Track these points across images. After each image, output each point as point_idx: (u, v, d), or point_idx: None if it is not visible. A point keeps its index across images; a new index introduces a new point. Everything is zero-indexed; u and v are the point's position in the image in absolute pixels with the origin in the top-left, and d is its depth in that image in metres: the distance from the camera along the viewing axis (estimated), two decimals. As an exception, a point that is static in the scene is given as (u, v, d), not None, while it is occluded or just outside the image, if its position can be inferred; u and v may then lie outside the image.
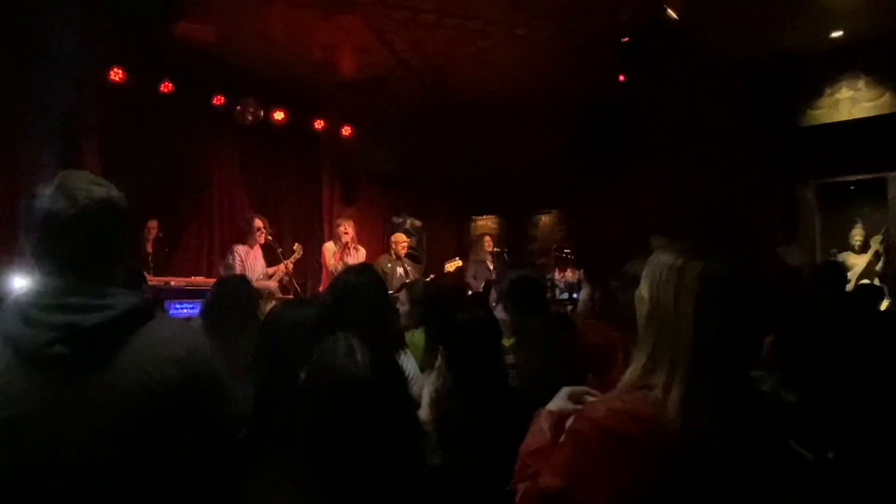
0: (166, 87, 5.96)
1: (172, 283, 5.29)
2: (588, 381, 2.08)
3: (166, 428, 1.16)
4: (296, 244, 5.82)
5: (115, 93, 5.66)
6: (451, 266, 6.40)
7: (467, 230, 8.96)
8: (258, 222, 5.60)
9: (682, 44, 5.65)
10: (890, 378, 2.03)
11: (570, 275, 5.65)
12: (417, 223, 8.15)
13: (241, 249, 5.46)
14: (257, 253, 5.56)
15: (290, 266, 5.54)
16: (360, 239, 7.57)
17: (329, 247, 6.00)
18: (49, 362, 1.10)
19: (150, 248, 5.49)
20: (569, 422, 1.28)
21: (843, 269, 5.40)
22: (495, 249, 7.07)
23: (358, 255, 5.83)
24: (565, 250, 5.78)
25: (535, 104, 7.24)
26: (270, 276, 5.45)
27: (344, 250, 5.81)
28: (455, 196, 8.59)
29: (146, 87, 5.83)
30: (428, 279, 6.03)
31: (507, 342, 2.55)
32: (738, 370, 1.20)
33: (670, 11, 4.94)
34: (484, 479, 1.55)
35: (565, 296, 5.04)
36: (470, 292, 5.38)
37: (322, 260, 5.99)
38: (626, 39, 5.83)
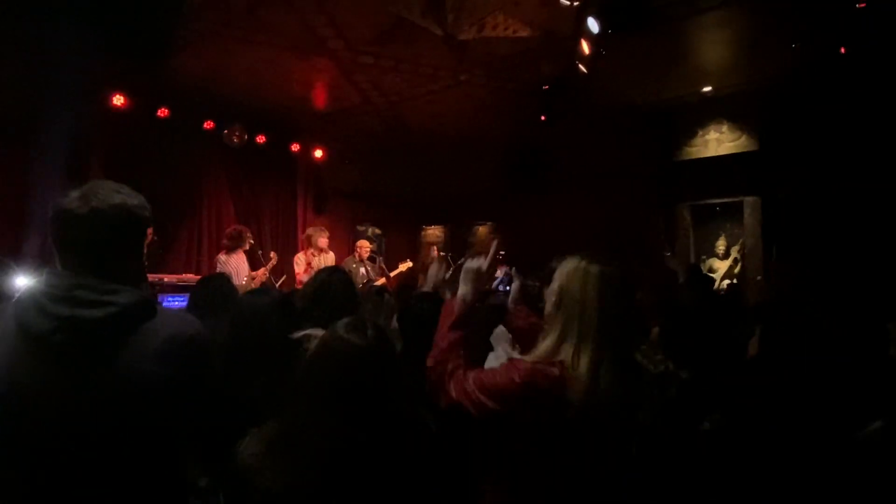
0: (163, 112, 5.79)
1: (165, 279, 5.17)
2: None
3: (156, 415, 1.07)
4: (272, 253, 5.66)
5: (118, 116, 5.46)
6: (403, 266, 6.39)
7: (418, 237, 8.97)
8: (247, 232, 5.47)
9: (589, 93, 5.83)
10: (745, 357, 2.08)
11: (502, 272, 5.73)
12: (378, 231, 8.12)
13: (222, 256, 5.29)
14: (241, 258, 5.40)
15: (262, 274, 5.37)
16: (329, 246, 7.47)
17: (300, 258, 5.81)
18: (51, 349, 1.02)
19: (145, 251, 5.25)
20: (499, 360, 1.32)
21: (706, 272, 5.67)
22: (440, 254, 7.11)
23: (327, 259, 5.74)
24: (500, 252, 5.86)
25: (474, 136, 7.32)
26: (254, 279, 5.31)
27: (316, 254, 5.69)
28: (408, 209, 8.56)
29: (145, 112, 5.65)
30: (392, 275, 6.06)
31: None
32: (630, 345, 1.31)
33: (581, 66, 5.10)
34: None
35: (500, 286, 5.13)
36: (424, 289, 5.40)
37: (293, 270, 5.77)
38: (546, 87, 5.99)
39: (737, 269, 6.56)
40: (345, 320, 1.26)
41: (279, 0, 4.65)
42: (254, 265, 5.46)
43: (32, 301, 1.06)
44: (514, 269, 2.18)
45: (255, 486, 1.09)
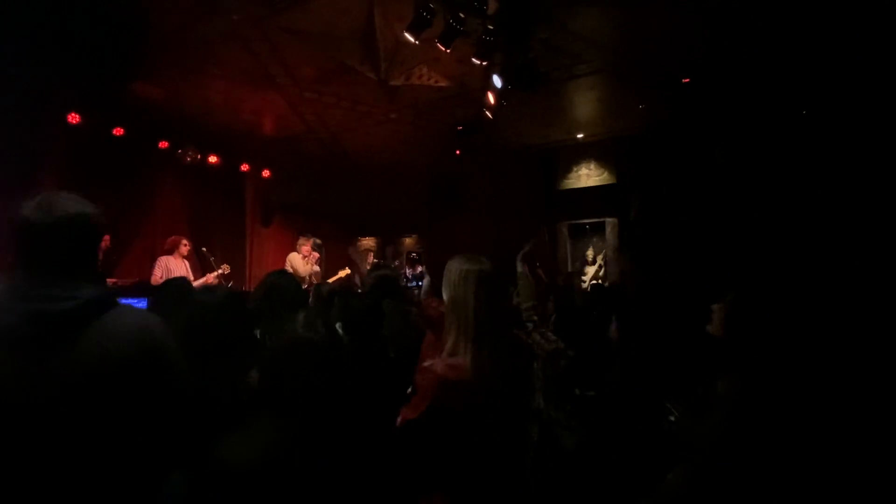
0: (118, 131, 5.20)
1: (119, 282, 4.67)
2: (427, 337, 2.06)
3: (122, 394, 1.00)
4: (224, 264, 5.26)
5: (72, 133, 4.85)
6: (342, 273, 6.25)
7: (353, 246, 8.78)
8: (184, 241, 5.06)
9: (493, 134, 6.07)
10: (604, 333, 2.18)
11: (416, 270, 5.79)
12: (318, 241, 7.83)
13: (165, 259, 4.90)
14: (181, 263, 4.99)
15: (212, 278, 4.98)
16: (276, 252, 7.13)
17: (295, 257, 5.62)
18: (19, 342, 0.95)
19: (100, 256, 4.72)
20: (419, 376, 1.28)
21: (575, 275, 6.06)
22: (373, 261, 7.03)
23: (307, 262, 5.63)
24: (412, 254, 5.91)
25: (402, 163, 7.33)
26: (206, 283, 4.93)
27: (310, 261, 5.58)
28: (344, 222, 8.37)
29: (100, 130, 5.04)
30: (330, 281, 5.90)
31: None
32: (505, 332, 1.27)
33: (487, 113, 5.31)
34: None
35: (414, 283, 5.17)
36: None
37: (292, 267, 5.52)
38: (460, 128, 6.14)
39: (601, 273, 7.10)
40: (301, 321, 1.22)
41: (235, 39, 4.42)
42: (203, 270, 5.09)
43: None
44: (424, 267, 2.18)
45: (225, 472, 1.03)
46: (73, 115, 4.79)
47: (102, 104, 4.93)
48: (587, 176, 7.07)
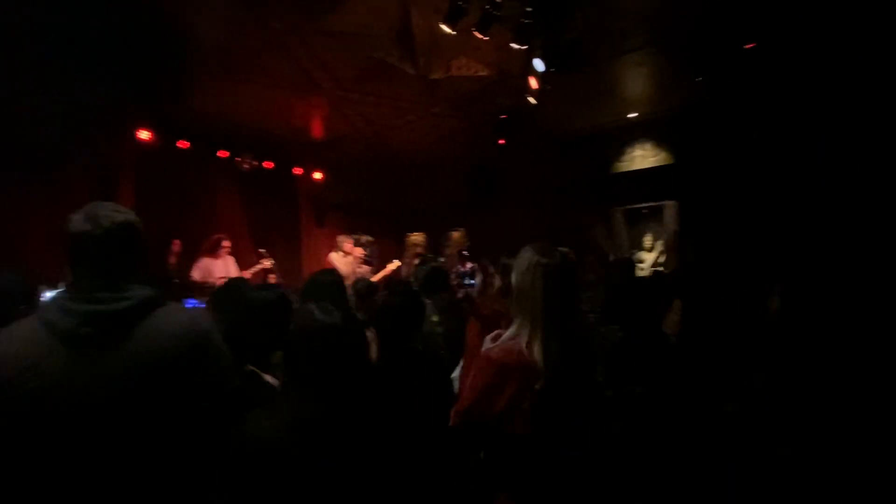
0: (183, 144, 5.63)
1: (188, 283, 5.02)
2: (471, 326, 2.07)
3: (175, 387, 1.07)
4: (266, 259, 5.47)
5: (143, 148, 5.31)
6: (391, 267, 6.36)
7: (403, 242, 8.88)
8: (225, 241, 5.35)
9: (538, 120, 5.91)
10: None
11: (467, 266, 5.73)
12: (370, 238, 8.03)
13: (203, 260, 5.17)
14: (225, 262, 5.28)
15: (248, 274, 5.19)
16: (330, 251, 7.37)
17: (335, 256, 5.78)
18: (79, 341, 1.03)
19: (173, 261, 5.13)
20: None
21: (633, 261, 5.78)
22: (423, 256, 7.06)
23: (348, 260, 5.76)
24: (464, 252, 5.87)
25: (445, 157, 7.32)
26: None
27: (352, 259, 5.74)
28: (393, 219, 8.49)
29: (167, 144, 5.48)
30: (379, 276, 6.03)
31: (435, 318, 2.54)
32: (571, 323, 1.28)
33: (530, 99, 5.16)
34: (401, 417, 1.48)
35: (466, 281, 5.11)
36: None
37: (330, 265, 5.67)
38: (503, 117, 6.03)
39: (661, 259, 6.70)
40: (316, 305, 1.29)
41: (278, 48, 4.61)
42: (243, 268, 5.35)
43: (56, 305, 1.07)
44: (477, 265, 2.16)
45: (248, 445, 1.09)
46: (142, 130, 5.23)
47: (167, 120, 5.35)
48: (642, 157, 6.70)
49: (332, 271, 2.52)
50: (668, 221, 6.58)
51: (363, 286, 3.08)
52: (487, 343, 1.39)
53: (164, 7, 3.76)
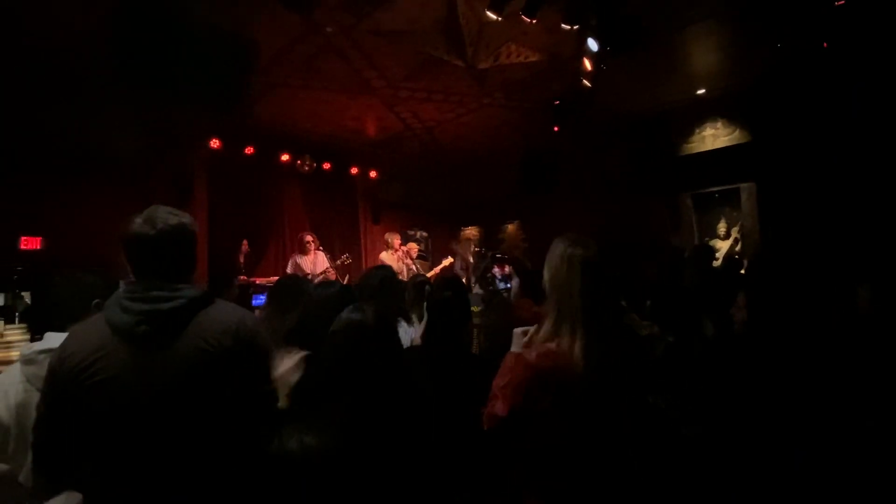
0: (249, 150, 5.98)
1: (257, 281, 5.36)
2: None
3: (221, 381, 1.11)
4: (345, 255, 5.82)
5: (214, 156, 5.71)
6: (445, 263, 6.39)
7: (457, 237, 8.91)
8: (307, 237, 5.67)
9: (594, 104, 5.59)
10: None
11: (504, 270, 5.59)
12: (424, 234, 8.13)
13: (295, 256, 5.55)
14: (315, 258, 5.57)
15: (332, 271, 5.47)
16: (381, 246, 7.54)
17: (386, 255, 5.93)
18: (137, 338, 1.08)
19: (242, 260, 5.48)
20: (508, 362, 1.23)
21: (711, 249, 5.37)
22: (476, 249, 7.04)
23: (394, 257, 5.86)
24: (498, 255, 5.71)
25: (498, 149, 7.20)
26: (326, 275, 5.42)
27: (392, 253, 5.84)
28: (446, 214, 8.53)
29: (235, 151, 5.85)
30: (434, 271, 6.08)
31: (476, 309, 2.49)
32: (614, 322, 1.20)
33: (585, 82, 4.92)
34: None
35: (502, 285, 4.96)
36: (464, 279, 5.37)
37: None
38: (557, 102, 5.81)
39: (737, 248, 6.17)
40: (351, 306, 1.29)
41: (330, 52, 4.75)
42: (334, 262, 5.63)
43: (116, 303, 1.14)
44: (512, 267, 2.08)
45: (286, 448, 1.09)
46: (214, 140, 5.62)
47: (234, 129, 5.71)
48: (713, 136, 6.22)
49: (384, 267, 2.56)
50: (744, 206, 6.07)
51: (418, 282, 3.11)
52: (518, 338, 1.33)
53: (225, 23, 3.98)
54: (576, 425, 1.13)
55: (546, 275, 1.24)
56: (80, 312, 1.50)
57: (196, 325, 1.12)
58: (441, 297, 1.88)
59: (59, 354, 1.11)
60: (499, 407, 1.17)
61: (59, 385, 1.08)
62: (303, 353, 1.38)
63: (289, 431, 1.12)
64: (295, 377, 1.36)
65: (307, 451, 1.08)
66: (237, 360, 1.13)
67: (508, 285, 4.50)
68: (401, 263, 5.86)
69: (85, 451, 1.07)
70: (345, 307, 1.64)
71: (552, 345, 1.16)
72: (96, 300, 1.59)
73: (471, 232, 9.11)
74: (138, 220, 1.17)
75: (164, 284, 1.14)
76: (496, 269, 5.45)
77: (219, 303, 1.20)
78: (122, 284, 1.19)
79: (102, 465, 1.07)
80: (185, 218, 1.22)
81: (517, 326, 1.98)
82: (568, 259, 1.20)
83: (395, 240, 6.02)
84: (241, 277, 5.12)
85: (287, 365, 1.35)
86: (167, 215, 1.19)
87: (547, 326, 1.21)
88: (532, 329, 1.29)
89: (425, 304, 2.20)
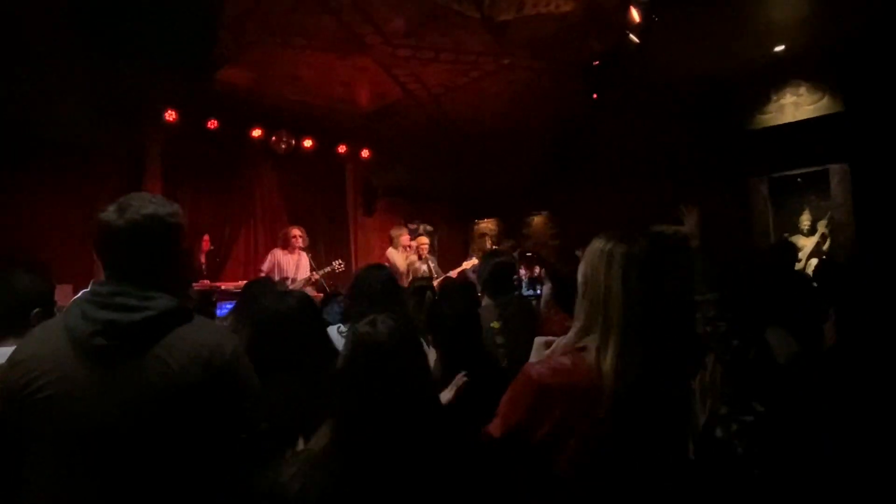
0: (211, 123, 5.98)
1: (222, 286, 5.33)
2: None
3: (185, 417, 1.11)
4: (339, 261, 5.66)
5: (169, 131, 5.71)
6: (467, 265, 6.34)
7: (471, 232, 8.90)
8: (295, 231, 5.68)
9: (644, 66, 5.56)
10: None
11: (533, 272, 5.51)
12: (429, 228, 8.11)
13: (277, 252, 5.58)
14: (299, 260, 5.60)
15: (316, 279, 5.43)
16: (381, 243, 7.55)
17: (392, 252, 5.95)
18: (91, 351, 1.10)
19: (203, 260, 5.52)
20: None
21: (793, 248, 5.27)
22: (494, 247, 7.01)
23: (401, 257, 5.87)
24: (528, 252, 5.65)
25: (522, 123, 7.15)
26: (313, 283, 5.41)
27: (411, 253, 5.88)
28: (458, 203, 8.50)
29: (195, 125, 5.85)
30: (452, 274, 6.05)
31: (496, 325, 2.54)
32: (661, 334, 1.19)
33: (632, 37, 4.85)
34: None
35: (530, 292, 4.85)
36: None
37: (390, 263, 5.83)
38: (596, 63, 5.76)
39: (825, 246, 6.06)
40: (367, 318, 1.28)
41: (314, 2, 4.72)
42: (319, 267, 5.62)
43: (78, 308, 1.15)
44: (544, 269, 2.06)
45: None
46: (169, 111, 5.61)
47: (195, 98, 5.70)
48: (795, 105, 6.15)
49: (381, 267, 2.53)
50: (834, 194, 5.99)
51: (417, 287, 3.07)
52: (539, 350, 1.35)
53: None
54: (593, 464, 1.12)
55: (580, 276, 1.26)
56: (14, 321, 1.59)
57: (165, 346, 1.12)
58: (446, 312, 1.90)
59: (8, 361, 1.14)
60: (494, 426, 1.20)
61: (5, 397, 1.11)
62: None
63: (288, 468, 1.12)
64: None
65: (307, 494, 1.08)
66: (206, 398, 1.12)
67: (538, 292, 4.43)
68: (411, 265, 5.85)
69: (29, 474, 1.10)
70: (307, 325, 1.69)
71: (571, 357, 1.18)
72: (37, 310, 1.64)
73: (487, 226, 9.12)
74: (110, 208, 1.18)
75: (134, 290, 1.13)
76: (522, 271, 5.37)
77: (199, 321, 1.21)
78: (91, 284, 1.22)
79: (47, 494, 1.09)
80: (165, 207, 1.21)
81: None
82: (607, 256, 1.21)
83: (404, 235, 6.01)
84: (203, 282, 5.11)
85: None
86: (143, 203, 1.19)
87: (571, 334, 1.23)
88: (558, 339, 1.32)
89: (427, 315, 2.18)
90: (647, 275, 1.19)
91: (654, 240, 1.31)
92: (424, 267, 5.99)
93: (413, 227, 7.83)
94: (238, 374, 1.19)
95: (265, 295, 2.23)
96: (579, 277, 1.26)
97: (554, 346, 1.32)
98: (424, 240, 6.26)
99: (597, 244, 1.25)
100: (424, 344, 2.34)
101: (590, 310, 1.20)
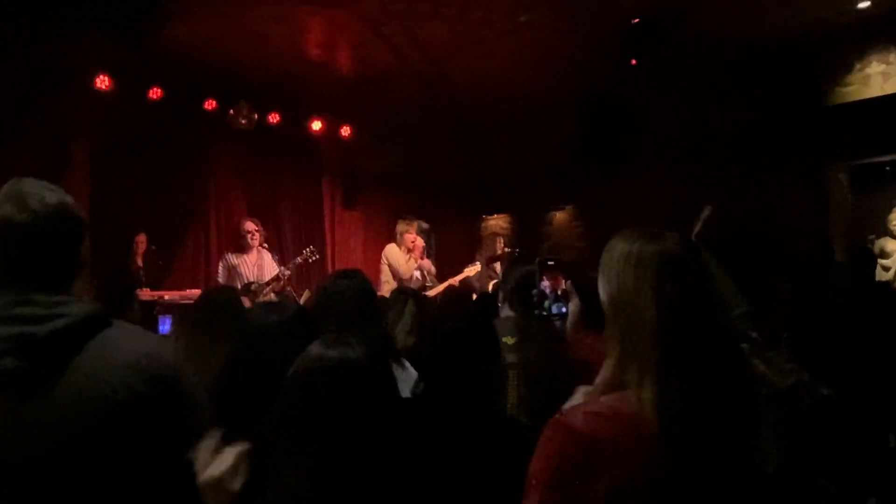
0: (155, 93, 5.96)
1: (167, 297, 5.30)
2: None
3: (127, 436, 1.14)
4: (309, 248, 5.82)
5: (102, 101, 5.66)
6: (471, 271, 6.33)
7: (477, 231, 8.89)
8: (248, 225, 5.67)
9: (694, 25, 5.58)
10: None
11: (556, 284, 5.49)
12: (425, 225, 8.07)
13: (229, 258, 5.59)
14: (260, 260, 5.60)
15: (284, 279, 5.49)
16: (365, 244, 7.53)
17: (393, 250, 6.00)
18: (1, 376, 1.10)
19: (140, 263, 5.47)
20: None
21: (872, 255, 5.28)
22: (506, 250, 6.99)
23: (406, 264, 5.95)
24: (549, 261, 5.62)
25: (542, 96, 7.16)
26: (285, 282, 5.47)
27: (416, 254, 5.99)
28: (463, 195, 8.58)
29: (134, 94, 5.83)
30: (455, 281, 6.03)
31: (509, 340, 2.66)
32: (710, 357, 1.16)
33: (681, -12, 4.82)
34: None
35: (554, 309, 4.88)
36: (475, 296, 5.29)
37: (389, 264, 5.96)
38: (636, 21, 5.72)
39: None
40: (324, 336, 1.39)
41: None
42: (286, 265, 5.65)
43: None
44: (570, 281, 2.22)
45: None
46: (101, 76, 5.57)
47: (133, 61, 5.65)
48: (883, 76, 6.16)
49: (356, 273, 2.55)
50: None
51: (400, 293, 3.17)
52: (577, 399, 1.34)
53: None
54: None
55: (603, 291, 1.25)
56: None
57: (89, 357, 1.14)
58: (450, 329, 1.91)
59: None
60: (535, 497, 1.17)
61: None
62: (242, 448, 1.38)
63: None
64: (236, 483, 1.34)
65: None
66: (149, 417, 1.16)
67: (563, 309, 4.40)
68: (413, 266, 5.91)
69: None
70: (301, 341, 1.66)
71: (612, 399, 1.16)
72: None
73: (498, 223, 9.12)
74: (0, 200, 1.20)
75: (39, 297, 1.15)
76: (546, 282, 5.31)
77: (118, 325, 1.24)
78: None
79: None
80: (66, 196, 1.25)
81: (574, 369, 2.01)
82: (635, 261, 1.19)
83: (409, 232, 6.04)
84: (141, 291, 5.09)
85: (222, 465, 1.29)
86: (43, 191, 1.20)
87: (607, 370, 1.22)
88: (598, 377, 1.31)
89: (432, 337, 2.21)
90: (687, 282, 1.17)
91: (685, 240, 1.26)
92: (417, 274, 6.04)
93: (406, 223, 7.78)
94: (184, 385, 1.25)
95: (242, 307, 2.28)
96: (602, 293, 1.24)
97: (595, 383, 1.30)
98: (419, 239, 6.27)
99: (619, 246, 1.22)
100: (405, 367, 2.41)
101: (622, 334, 1.18)
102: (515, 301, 2.89)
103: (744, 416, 1.22)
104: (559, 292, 4.60)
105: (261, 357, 1.71)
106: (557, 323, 3.16)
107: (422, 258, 6.23)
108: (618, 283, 1.21)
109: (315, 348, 1.37)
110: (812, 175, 6.56)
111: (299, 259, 5.67)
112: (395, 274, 5.86)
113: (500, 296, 3.17)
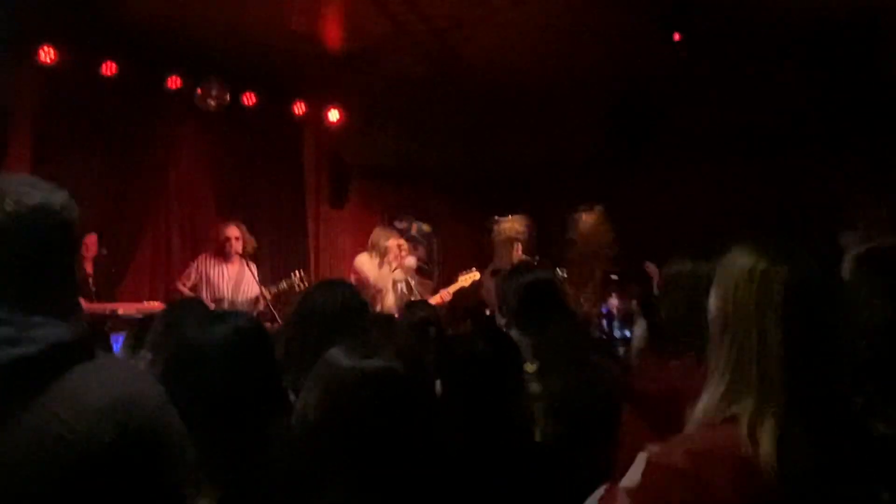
0: (109, 67, 6.01)
1: (120, 311, 5.35)
2: (627, 418, 2.07)
3: (84, 491, 1.10)
4: (298, 272, 5.82)
5: (46, 76, 5.75)
6: (466, 279, 6.36)
7: (488, 234, 8.89)
8: (229, 230, 5.73)
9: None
10: None
11: (619, 304, 5.54)
12: (426, 228, 8.16)
13: (206, 261, 5.66)
14: (241, 272, 5.69)
15: (265, 300, 5.57)
16: (355, 247, 7.58)
17: (364, 260, 6.01)
18: None
19: (89, 269, 5.50)
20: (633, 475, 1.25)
21: None
22: (521, 256, 7.02)
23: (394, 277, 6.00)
24: (611, 274, 5.71)
25: (564, 77, 7.20)
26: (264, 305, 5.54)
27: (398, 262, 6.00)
28: (472, 193, 8.52)
29: (84, 69, 5.89)
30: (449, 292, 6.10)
31: (530, 368, 2.61)
32: (840, 398, 1.21)
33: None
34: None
35: (617, 332, 4.93)
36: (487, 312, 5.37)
37: (356, 276, 5.94)
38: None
39: None
40: (339, 347, 1.41)
41: None
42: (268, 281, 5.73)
43: None
44: (636, 301, 2.12)
45: None
46: (45, 48, 5.61)
47: (84, 31, 5.73)
48: None
49: (336, 284, 2.62)
50: None
51: (417, 319, 3.21)
52: (639, 465, 1.31)
53: None
54: None
55: (714, 306, 1.28)
56: None
57: (59, 395, 1.11)
58: (469, 353, 1.97)
59: None
60: None
61: None
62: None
63: None
64: None
65: None
66: (120, 470, 1.13)
67: (625, 332, 4.48)
68: (392, 280, 5.94)
69: None
70: (248, 364, 1.75)
71: (723, 429, 1.18)
72: None
73: (513, 226, 9.07)
74: None
75: (11, 316, 1.12)
76: (614, 301, 5.36)
77: (104, 359, 1.22)
78: None
79: None
80: (56, 195, 1.22)
81: (635, 404, 2.01)
82: (760, 280, 1.22)
83: (392, 239, 6.04)
84: (90, 304, 5.12)
85: None
86: (23, 189, 1.18)
87: (711, 395, 1.23)
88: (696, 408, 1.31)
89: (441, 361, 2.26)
90: (821, 310, 1.20)
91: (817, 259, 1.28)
92: (401, 286, 6.08)
93: (402, 225, 7.88)
94: (166, 435, 1.20)
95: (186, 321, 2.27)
96: (712, 309, 1.27)
97: (694, 416, 1.30)
98: (406, 248, 6.28)
99: (739, 261, 1.26)
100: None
101: (737, 361, 1.21)
102: (525, 319, 2.78)
103: (863, 472, 1.22)
104: (620, 313, 4.65)
105: (200, 387, 1.66)
106: (622, 350, 3.18)
107: (417, 272, 6.26)
108: (736, 300, 1.23)
109: (342, 359, 1.41)
110: (880, 166, 6.57)
111: (284, 284, 5.64)
112: (363, 285, 5.68)
113: (502, 315, 3.07)
